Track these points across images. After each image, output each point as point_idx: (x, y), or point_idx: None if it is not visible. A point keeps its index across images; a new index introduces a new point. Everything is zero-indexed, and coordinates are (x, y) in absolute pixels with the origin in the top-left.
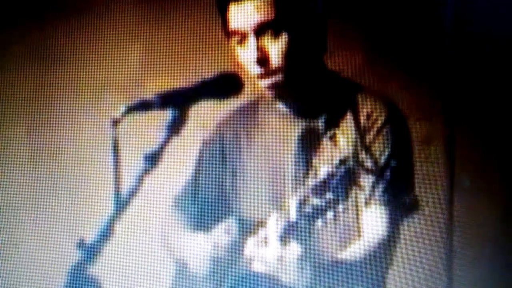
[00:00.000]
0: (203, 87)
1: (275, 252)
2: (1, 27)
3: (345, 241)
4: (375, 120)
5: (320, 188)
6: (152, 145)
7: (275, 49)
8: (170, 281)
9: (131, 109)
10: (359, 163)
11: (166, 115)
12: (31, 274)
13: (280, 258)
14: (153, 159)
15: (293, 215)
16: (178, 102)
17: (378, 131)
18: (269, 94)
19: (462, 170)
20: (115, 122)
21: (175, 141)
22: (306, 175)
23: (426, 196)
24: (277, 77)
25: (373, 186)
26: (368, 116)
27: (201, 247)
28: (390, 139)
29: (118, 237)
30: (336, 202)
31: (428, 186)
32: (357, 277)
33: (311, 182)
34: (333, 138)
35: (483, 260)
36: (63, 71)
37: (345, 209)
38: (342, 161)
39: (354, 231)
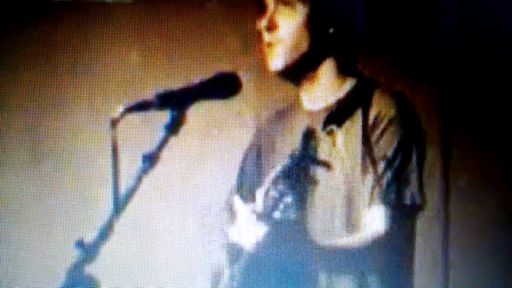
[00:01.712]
0: (201, 87)
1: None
2: (1, 28)
3: (341, 234)
4: (382, 119)
5: (276, 180)
6: (150, 145)
7: (286, 21)
8: (168, 281)
9: (129, 110)
10: (310, 158)
11: (164, 116)
12: (30, 274)
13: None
14: (151, 159)
15: (259, 206)
16: (177, 102)
17: (383, 130)
18: (271, 66)
19: (458, 170)
20: (114, 122)
21: (174, 141)
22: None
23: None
24: (279, 49)
25: (374, 186)
26: (377, 115)
27: None
28: (394, 139)
29: (117, 236)
30: (285, 194)
31: (424, 186)
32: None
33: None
34: (330, 134)
35: (479, 260)
36: (62, 71)
37: (296, 201)
38: (291, 156)
39: (351, 226)
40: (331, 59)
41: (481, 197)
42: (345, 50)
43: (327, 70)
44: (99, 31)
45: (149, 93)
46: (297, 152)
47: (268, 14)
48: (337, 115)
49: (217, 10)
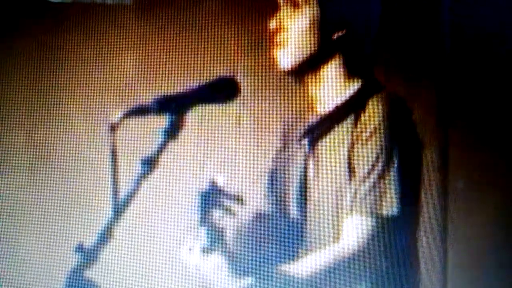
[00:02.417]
0: (199, 91)
1: (195, 259)
2: (0, 32)
3: (317, 247)
4: (368, 126)
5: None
6: (149, 150)
7: (294, 23)
8: (168, 285)
9: (128, 114)
10: (219, 192)
11: (163, 120)
12: (30, 278)
13: (198, 267)
14: (150, 163)
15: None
16: (175, 107)
17: (368, 137)
18: (279, 66)
19: (456, 172)
20: (113, 127)
21: (172, 145)
22: None
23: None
24: (287, 50)
25: (353, 195)
26: (365, 121)
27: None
28: (376, 146)
29: (116, 241)
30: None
31: (422, 189)
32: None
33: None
34: (302, 148)
35: (477, 263)
36: (61, 77)
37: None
38: (200, 193)
39: (329, 238)
40: (338, 61)
41: (481, 198)
42: (354, 52)
43: (333, 72)
44: (97, 34)
45: (148, 98)
46: (204, 189)
47: (277, 16)
48: (316, 128)
49: (216, 14)
